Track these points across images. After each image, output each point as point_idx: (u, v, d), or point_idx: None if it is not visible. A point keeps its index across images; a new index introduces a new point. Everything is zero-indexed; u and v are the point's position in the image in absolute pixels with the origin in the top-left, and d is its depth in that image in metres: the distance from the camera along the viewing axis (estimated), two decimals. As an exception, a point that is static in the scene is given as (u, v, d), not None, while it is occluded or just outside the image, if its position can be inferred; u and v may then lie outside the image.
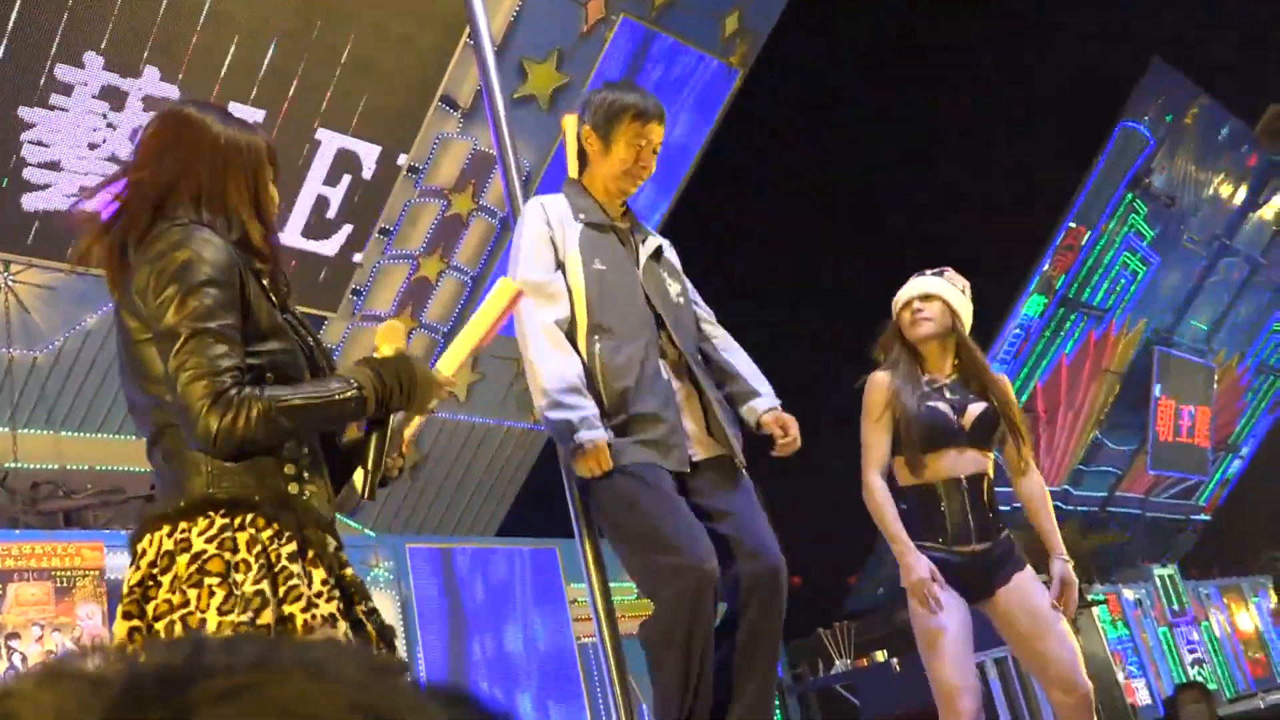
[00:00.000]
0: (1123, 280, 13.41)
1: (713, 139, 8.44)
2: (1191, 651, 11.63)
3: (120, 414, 6.63)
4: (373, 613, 1.95)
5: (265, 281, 1.97)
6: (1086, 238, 12.55)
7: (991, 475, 3.39)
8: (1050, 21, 12.22)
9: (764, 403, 3.12)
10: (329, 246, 7.10)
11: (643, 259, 3.11)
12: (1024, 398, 12.94)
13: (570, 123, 3.26)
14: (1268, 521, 15.80)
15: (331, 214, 7.04)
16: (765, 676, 2.87)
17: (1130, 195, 12.89)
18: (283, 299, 2.01)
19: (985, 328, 12.03)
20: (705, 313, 3.27)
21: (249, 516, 1.80)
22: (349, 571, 1.93)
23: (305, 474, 1.91)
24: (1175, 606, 11.90)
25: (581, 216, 3.06)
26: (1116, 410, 14.13)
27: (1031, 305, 12.41)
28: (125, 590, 1.81)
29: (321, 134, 6.73)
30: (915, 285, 3.50)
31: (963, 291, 3.52)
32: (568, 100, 7.08)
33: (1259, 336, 16.26)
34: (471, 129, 7.27)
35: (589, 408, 2.81)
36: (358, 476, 2.02)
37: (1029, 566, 3.36)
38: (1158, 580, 11.99)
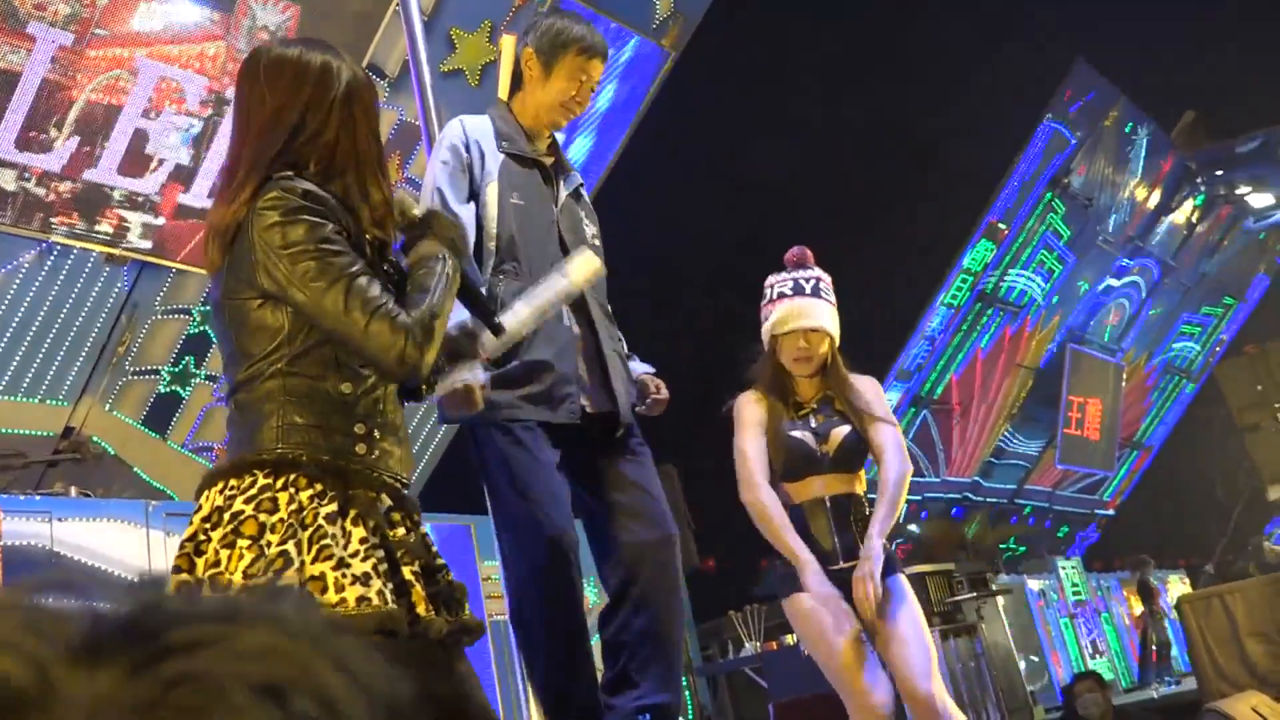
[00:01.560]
0: (1039, 277, 13.68)
1: (641, 120, 8.42)
2: (1091, 641, 11.95)
3: (23, 377, 6.46)
4: (431, 572, 1.94)
5: (369, 238, 2.01)
6: (1006, 234, 12.78)
7: (861, 491, 3.31)
8: (978, 18, 12.38)
9: (640, 366, 3.09)
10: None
11: (562, 196, 3.04)
12: (939, 390, 13.16)
13: (508, 43, 3.20)
14: (1169, 517, 16.27)
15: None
16: (667, 652, 2.83)
17: (1049, 194, 13.14)
18: (377, 246, 2.04)
19: (904, 320, 12.21)
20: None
21: (292, 476, 1.83)
22: (399, 532, 1.91)
23: (376, 433, 1.93)
24: (1077, 598, 12.21)
25: (505, 145, 2.98)
26: (1028, 405, 14.43)
27: (950, 297, 12.60)
28: (179, 545, 1.85)
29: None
30: (798, 312, 3.32)
31: (831, 300, 3.41)
32: (497, 75, 7.00)
33: (1167, 337, 16.70)
34: (397, 99, 7.17)
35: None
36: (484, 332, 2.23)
37: (900, 574, 3.26)
38: (1061, 572, 12.28)
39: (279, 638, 0.41)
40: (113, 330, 6.67)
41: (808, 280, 3.39)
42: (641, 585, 2.80)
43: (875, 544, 3.12)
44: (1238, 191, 15.60)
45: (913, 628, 3.15)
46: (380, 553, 1.84)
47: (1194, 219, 15.74)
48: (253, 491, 1.80)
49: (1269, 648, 5.69)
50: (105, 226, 6.32)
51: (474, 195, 2.92)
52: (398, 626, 1.80)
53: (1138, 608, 12.73)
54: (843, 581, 3.17)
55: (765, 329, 3.40)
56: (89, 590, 0.44)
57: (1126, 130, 14.00)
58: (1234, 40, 13.58)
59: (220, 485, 1.83)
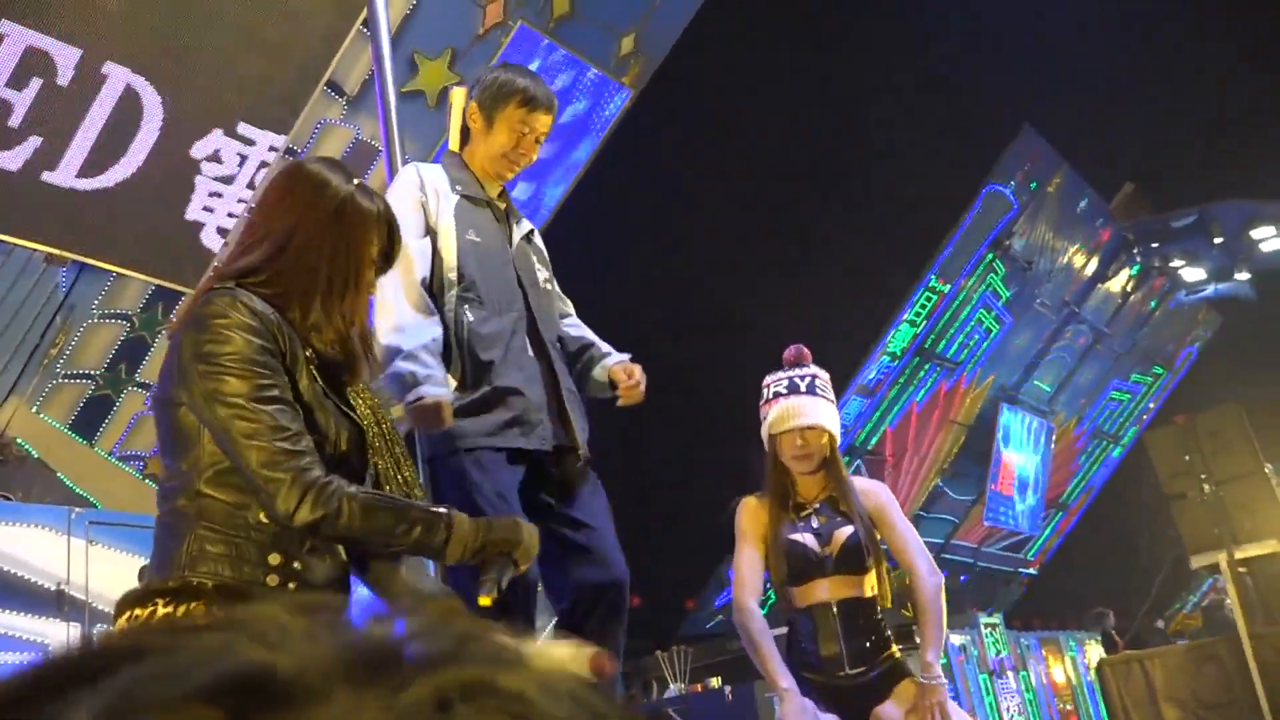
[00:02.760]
0: (976, 336, 13.89)
1: (597, 157, 8.45)
2: (1009, 699, 12.05)
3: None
4: None
5: (309, 352, 1.91)
6: (946, 292, 12.97)
7: (871, 595, 3.26)
8: (929, 79, 12.62)
9: (615, 358, 3.11)
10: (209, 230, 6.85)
11: (515, 238, 3.07)
12: (874, 441, 13.28)
13: (459, 95, 3.23)
14: (1090, 579, 16.50)
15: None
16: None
17: (991, 255, 13.37)
18: (341, 375, 1.97)
19: (845, 370, 12.32)
20: (566, 305, 3.27)
21: (192, 604, 1.75)
22: None
23: (296, 564, 1.83)
24: (997, 655, 12.31)
25: (458, 188, 3.00)
26: (960, 460, 14.60)
27: (889, 351, 12.75)
28: None
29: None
30: (795, 411, 3.31)
31: (830, 397, 3.42)
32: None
33: (1096, 401, 17.01)
34: (355, 118, 7.14)
35: (440, 372, 2.72)
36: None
37: (910, 679, 3.23)
38: (983, 628, 12.39)
39: (536, 684, 0.39)
40: (46, 331, 6.52)
41: (803, 378, 3.38)
42: (591, 626, 2.80)
43: (935, 670, 3.12)
44: (1172, 264, 15.99)
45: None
46: None
47: (1129, 288, 16.09)
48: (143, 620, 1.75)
49: (1184, 714, 5.78)
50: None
51: (429, 232, 2.93)
52: None
53: (1055, 667, 12.87)
54: (849, 691, 3.14)
55: (764, 429, 3.38)
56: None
57: (1068, 198, 14.32)
58: (1175, 117, 13.97)
59: (127, 615, 1.78)
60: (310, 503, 1.74)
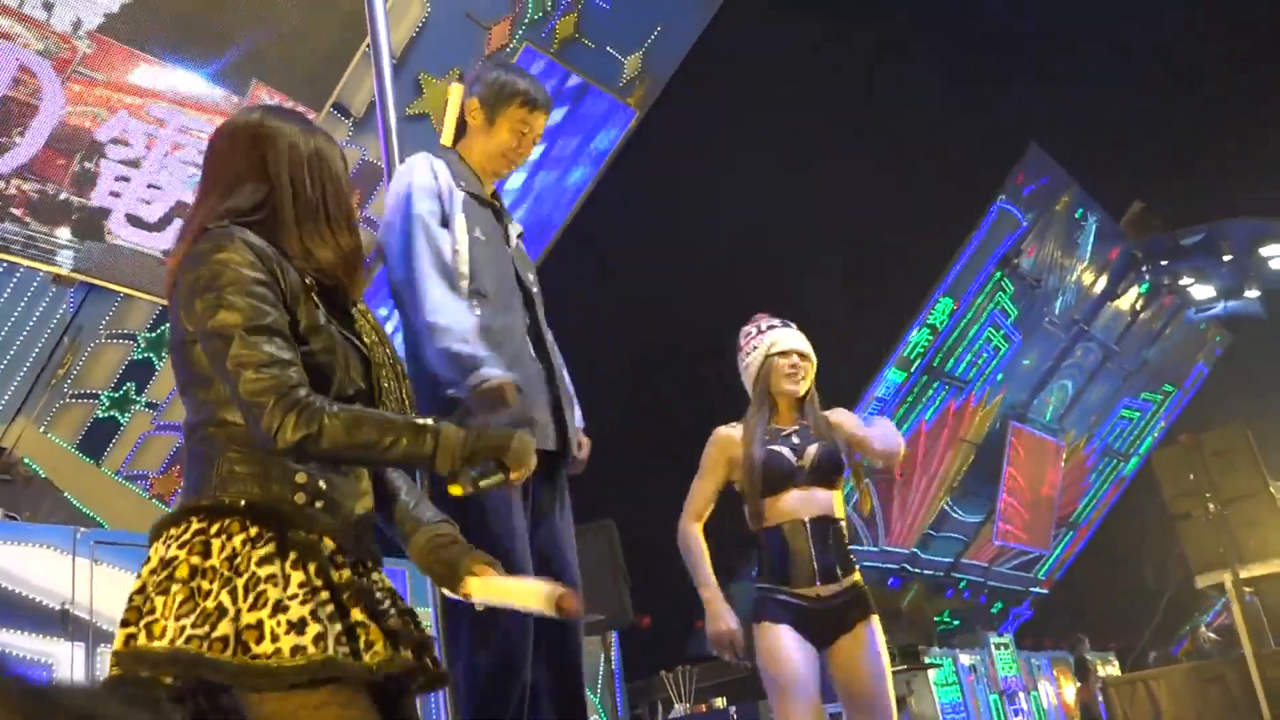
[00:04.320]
0: (985, 354, 13.88)
1: (602, 178, 8.49)
2: (1019, 719, 11.98)
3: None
4: (386, 614, 1.88)
5: (309, 280, 1.95)
6: (954, 310, 12.98)
7: (840, 518, 3.42)
8: (937, 97, 12.63)
9: (579, 420, 3.09)
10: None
11: (512, 238, 3.10)
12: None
13: (455, 91, 3.24)
14: (1102, 599, 16.42)
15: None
16: (572, 708, 2.83)
17: (999, 274, 13.37)
18: (341, 299, 2.01)
19: (852, 389, 12.31)
20: None
21: (225, 521, 1.79)
22: (344, 574, 1.85)
23: (321, 483, 1.87)
24: (1008, 675, 12.26)
25: (462, 184, 3.02)
26: (969, 479, 14.57)
27: (896, 372, 12.75)
28: (129, 597, 1.80)
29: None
30: (792, 339, 3.53)
31: None
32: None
33: (1106, 420, 16.97)
34: (361, 139, 7.19)
35: (491, 354, 2.74)
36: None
37: (875, 618, 3.36)
38: (993, 648, 12.34)
39: None
40: (54, 351, 6.56)
41: (786, 323, 3.60)
42: (546, 639, 2.79)
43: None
44: (1181, 282, 15.97)
45: (885, 697, 3.22)
46: (324, 594, 1.79)
47: (1138, 306, 16.07)
48: (186, 537, 1.79)
49: (1191, 735, 5.75)
50: (55, 237, 6.25)
51: (445, 222, 2.94)
52: (337, 673, 1.74)
53: (1067, 687, 12.82)
54: (822, 606, 3.27)
55: (753, 358, 3.51)
56: None
57: (1077, 216, 14.32)
58: (1184, 135, 13.96)
59: (164, 536, 1.82)
60: (292, 423, 1.76)
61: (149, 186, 6.45)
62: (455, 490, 1.88)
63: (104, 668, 4.89)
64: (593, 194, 8.53)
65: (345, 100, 7.01)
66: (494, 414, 2.61)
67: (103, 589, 4.78)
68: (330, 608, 1.78)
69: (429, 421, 1.86)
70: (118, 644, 1.76)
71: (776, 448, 3.38)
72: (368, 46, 6.70)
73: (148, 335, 6.85)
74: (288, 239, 1.96)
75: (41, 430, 6.69)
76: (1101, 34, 13.43)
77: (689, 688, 8.01)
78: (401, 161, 3.59)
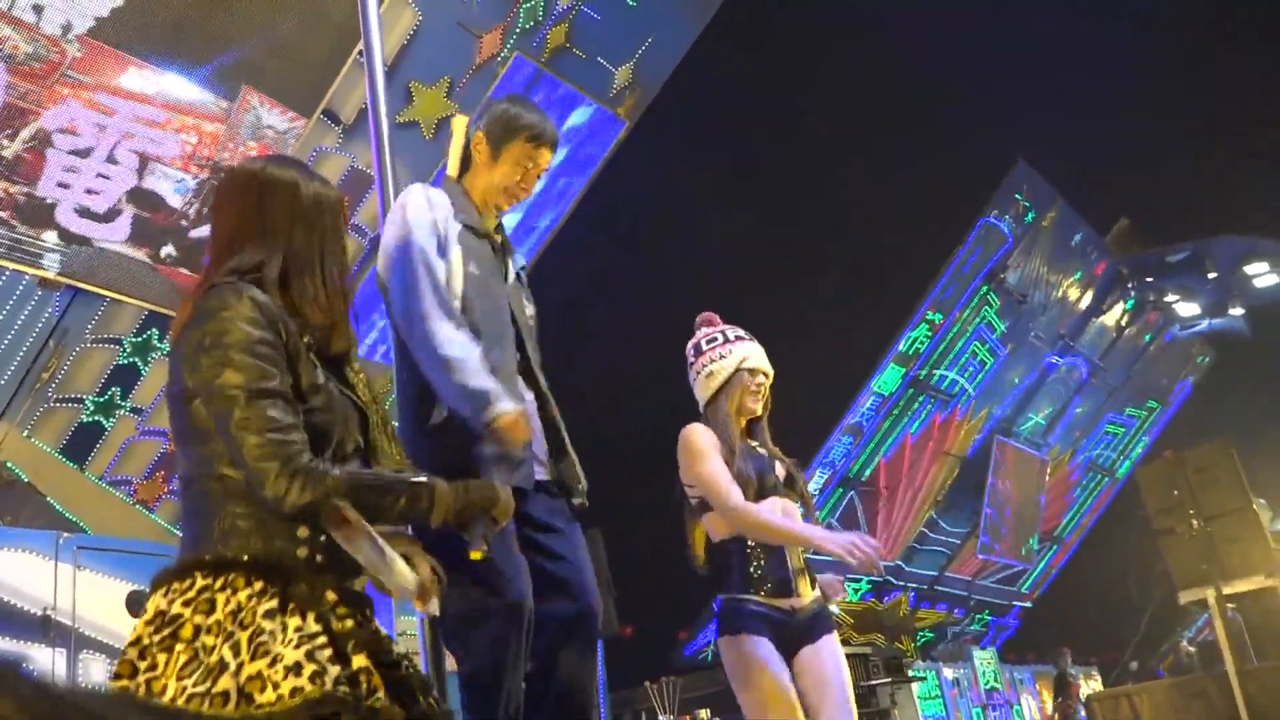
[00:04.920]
0: (971, 368, 13.93)
1: (591, 186, 8.50)
2: (1001, 733, 12.00)
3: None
4: (392, 665, 1.88)
5: (306, 339, 1.96)
6: (941, 324, 13.01)
7: None
8: (925, 113, 12.70)
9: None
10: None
11: (510, 275, 3.06)
12: (868, 472, 13.28)
13: (460, 124, 3.22)
14: (1085, 613, 16.47)
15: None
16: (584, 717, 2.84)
17: (985, 288, 13.42)
18: (335, 356, 2.02)
19: (838, 402, 12.34)
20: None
21: (230, 575, 1.80)
22: (347, 624, 1.86)
23: (322, 537, 1.88)
24: (990, 688, 12.29)
25: (461, 217, 2.99)
26: (953, 493, 14.60)
27: (883, 384, 12.78)
28: (123, 650, 1.80)
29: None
30: (763, 358, 3.48)
31: None
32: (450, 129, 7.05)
33: (1091, 435, 17.03)
34: (350, 145, 7.19)
35: (500, 386, 2.70)
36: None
37: (835, 633, 3.35)
38: (977, 662, 12.36)
39: None
40: (39, 355, 6.54)
41: (746, 334, 3.52)
42: (567, 657, 2.80)
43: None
44: (1166, 299, 16.06)
45: (848, 707, 3.20)
46: (322, 639, 1.80)
47: (1123, 322, 16.15)
48: (191, 594, 1.78)
49: (1172, 750, 5.76)
50: (42, 240, 6.23)
51: (441, 254, 2.93)
52: (337, 708, 1.74)
53: (1049, 701, 12.84)
54: (791, 618, 3.23)
55: (723, 365, 3.44)
56: None
57: (1063, 232, 14.39)
58: (1170, 153, 14.05)
59: (164, 589, 1.81)
60: (298, 488, 1.79)
61: (98, 177, 6.37)
62: (476, 556, 2.02)
63: (86, 673, 4.86)
64: (582, 201, 8.54)
65: (335, 107, 7.01)
66: (512, 446, 2.65)
67: (85, 594, 4.76)
68: (329, 652, 1.79)
69: (424, 479, 1.91)
70: (140, 682, 1.74)
71: (756, 455, 3.35)
72: (359, 55, 6.71)
73: (134, 340, 6.82)
74: (283, 296, 1.97)
75: (25, 434, 6.66)
76: (1089, 52, 13.51)
77: (674, 699, 8.00)
78: (392, 169, 3.60)
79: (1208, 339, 17.54)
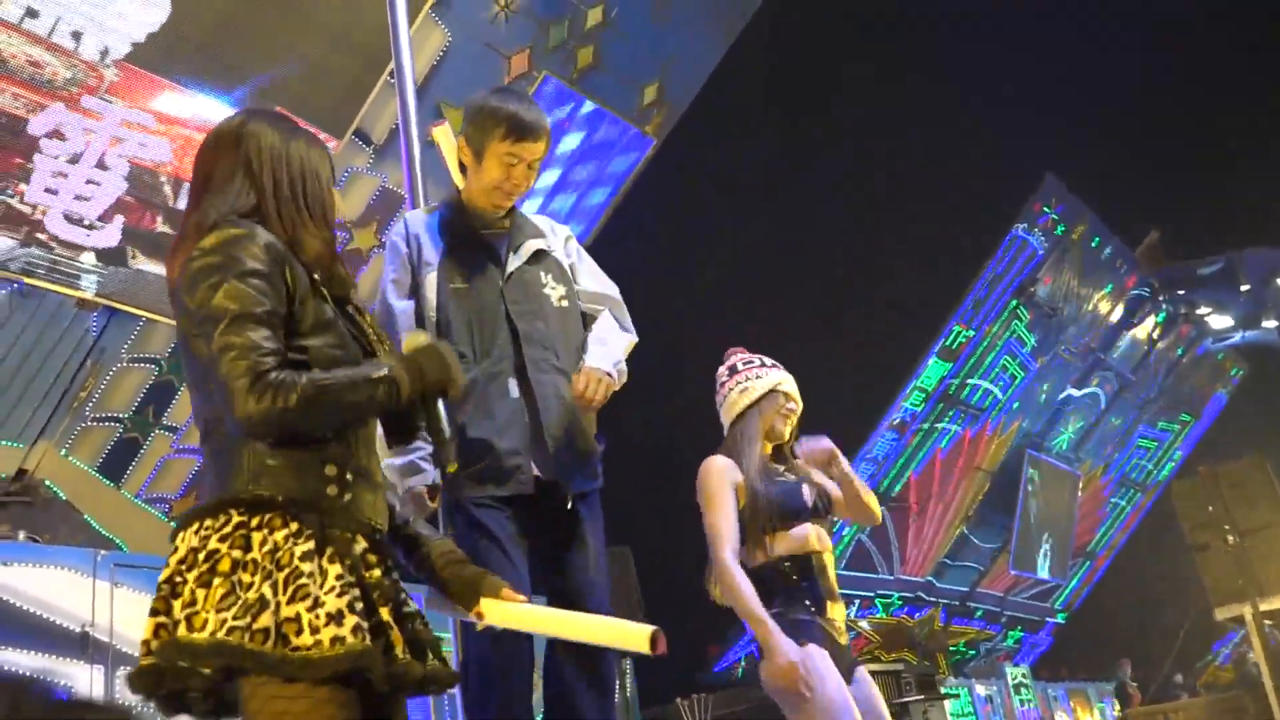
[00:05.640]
0: (1001, 383, 13.85)
1: (619, 205, 8.55)
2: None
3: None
4: (407, 618, 1.93)
5: (317, 275, 2.00)
6: (970, 338, 12.96)
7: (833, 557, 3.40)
8: (953, 127, 12.68)
9: (587, 366, 2.94)
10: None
11: (510, 269, 3.00)
12: (897, 488, 13.22)
13: (441, 134, 3.22)
14: (1119, 629, 16.31)
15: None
16: None
17: (1015, 302, 13.36)
18: (340, 294, 2.06)
19: (868, 418, 12.30)
20: (602, 295, 3.17)
21: (267, 515, 1.82)
22: (375, 574, 1.90)
23: (349, 476, 1.92)
24: (1024, 706, 12.18)
25: (448, 234, 3.00)
26: (984, 508, 14.51)
27: (912, 398, 12.73)
28: (157, 587, 1.81)
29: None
30: (795, 387, 3.47)
31: None
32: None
33: (1123, 450, 16.89)
34: (381, 166, 7.25)
35: (419, 449, 2.79)
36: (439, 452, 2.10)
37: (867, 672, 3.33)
38: (1009, 678, 12.27)
39: None
40: (76, 374, 6.62)
41: (772, 361, 3.54)
42: (569, 676, 2.79)
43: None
44: (1198, 312, 15.94)
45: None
46: (356, 591, 1.82)
47: (1155, 335, 16.03)
48: (227, 530, 1.80)
49: (1210, 767, 5.70)
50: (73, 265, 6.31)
51: (416, 288, 2.95)
52: (372, 666, 1.78)
53: (1084, 718, 12.72)
54: (836, 643, 3.19)
55: (758, 385, 3.44)
56: None
57: (1093, 245, 14.31)
58: (1201, 165, 13.97)
59: (195, 526, 1.82)
60: (256, 396, 1.80)
61: (87, 183, 6.28)
62: (453, 468, 2.16)
63: (123, 690, 4.90)
64: (610, 219, 8.58)
65: (366, 128, 7.09)
66: (422, 515, 2.77)
67: (122, 611, 4.80)
68: (361, 604, 1.82)
69: (383, 370, 1.94)
70: (147, 633, 1.77)
71: (786, 481, 3.33)
72: (389, 76, 6.78)
73: (169, 359, 6.90)
74: (278, 235, 2.00)
75: (63, 453, 6.74)
76: (1118, 64, 13.47)
77: (705, 716, 7.98)
78: (424, 188, 3.64)
79: (1241, 352, 17.39)
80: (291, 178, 2.05)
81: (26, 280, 6.16)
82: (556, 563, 2.88)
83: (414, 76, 3.97)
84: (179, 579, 1.79)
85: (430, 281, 2.93)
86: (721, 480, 3.29)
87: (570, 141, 8.07)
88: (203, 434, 1.95)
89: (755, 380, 3.46)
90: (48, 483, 6.62)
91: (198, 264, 1.89)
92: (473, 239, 3.01)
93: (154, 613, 1.78)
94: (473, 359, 2.86)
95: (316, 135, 2.18)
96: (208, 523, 1.82)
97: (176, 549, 1.83)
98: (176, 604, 1.77)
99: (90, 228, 6.29)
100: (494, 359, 2.89)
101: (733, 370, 3.53)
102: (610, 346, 3.03)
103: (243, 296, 1.85)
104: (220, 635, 1.71)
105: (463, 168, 3.10)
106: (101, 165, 6.22)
